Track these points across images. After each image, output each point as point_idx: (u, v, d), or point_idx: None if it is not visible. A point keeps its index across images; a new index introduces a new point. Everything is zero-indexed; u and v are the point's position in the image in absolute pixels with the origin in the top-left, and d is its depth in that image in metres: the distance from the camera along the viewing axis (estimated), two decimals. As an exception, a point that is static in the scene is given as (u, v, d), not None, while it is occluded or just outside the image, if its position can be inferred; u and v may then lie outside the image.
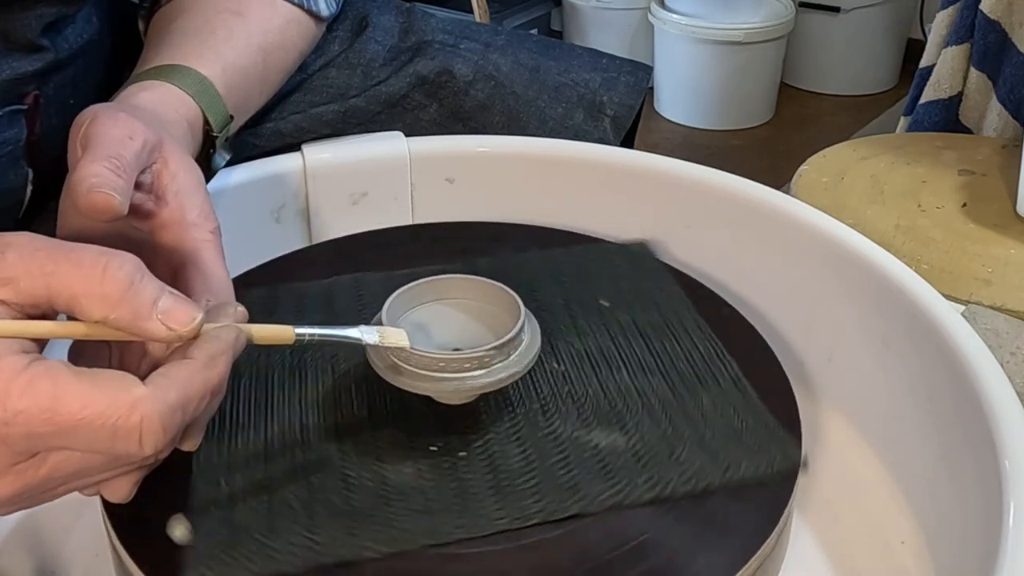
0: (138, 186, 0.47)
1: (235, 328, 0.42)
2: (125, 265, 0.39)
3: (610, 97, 0.78)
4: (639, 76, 0.80)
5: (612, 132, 0.78)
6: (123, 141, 0.46)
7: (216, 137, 0.59)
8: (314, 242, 0.70)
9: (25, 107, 0.63)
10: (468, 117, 0.76)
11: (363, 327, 0.46)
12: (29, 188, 0.66)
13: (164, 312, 0.39)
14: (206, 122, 0.58)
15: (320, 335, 0.44)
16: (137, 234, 0.48)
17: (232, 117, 0.61)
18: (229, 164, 0.65)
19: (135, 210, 0.47)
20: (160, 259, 0.47)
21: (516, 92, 0.76)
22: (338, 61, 0.75)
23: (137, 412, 0.37)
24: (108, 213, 0.43)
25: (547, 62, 0.79)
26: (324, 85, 0.74)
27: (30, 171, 0.65)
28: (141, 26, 0.69)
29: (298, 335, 0.43)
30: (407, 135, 0.71)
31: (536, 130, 0.76)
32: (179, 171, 0.49)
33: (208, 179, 0.57)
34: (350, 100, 0.73)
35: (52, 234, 0.43)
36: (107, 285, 0.38)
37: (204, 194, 0.49)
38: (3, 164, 0.63)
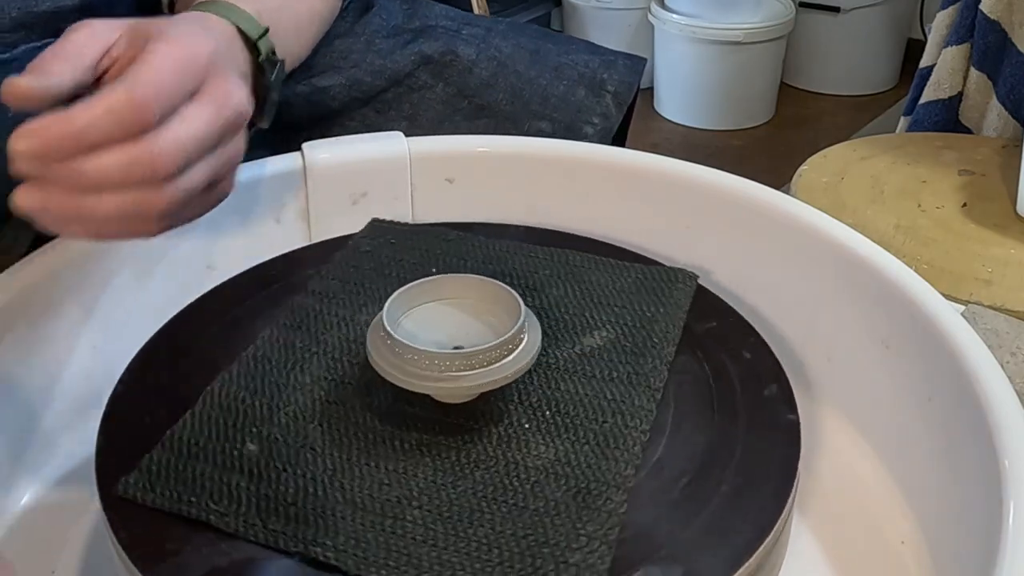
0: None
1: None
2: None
3: (610, 75, 0.80)
4: (635, 61, 0.83)
5: (614, 107, 0.79)
6: (85, 42, 0.47)
7: (257, 44, 0.58)
8: (314, 242, 0.70)
9: None
10: (473, 94, 0.77)
11: None
12: None
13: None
14: (243, 36, 0.58)
15: None
16: None
17: (267, 29, 0.59)
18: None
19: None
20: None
21: (518, 71, 0.78)
22: (341, 33, 0.78)
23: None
24: (25, 101, 0.43)
25: (547, 45, 0.81)
26: (327, 51, 0.77)
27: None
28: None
29: None
30: (415, 114, 0.72)
31: (539, 107, 0.78)
32: (157, 45, 0.47)
33: (267, 100, 0.59)
34: (352, 70, 0.75)
35: None
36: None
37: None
38: None
